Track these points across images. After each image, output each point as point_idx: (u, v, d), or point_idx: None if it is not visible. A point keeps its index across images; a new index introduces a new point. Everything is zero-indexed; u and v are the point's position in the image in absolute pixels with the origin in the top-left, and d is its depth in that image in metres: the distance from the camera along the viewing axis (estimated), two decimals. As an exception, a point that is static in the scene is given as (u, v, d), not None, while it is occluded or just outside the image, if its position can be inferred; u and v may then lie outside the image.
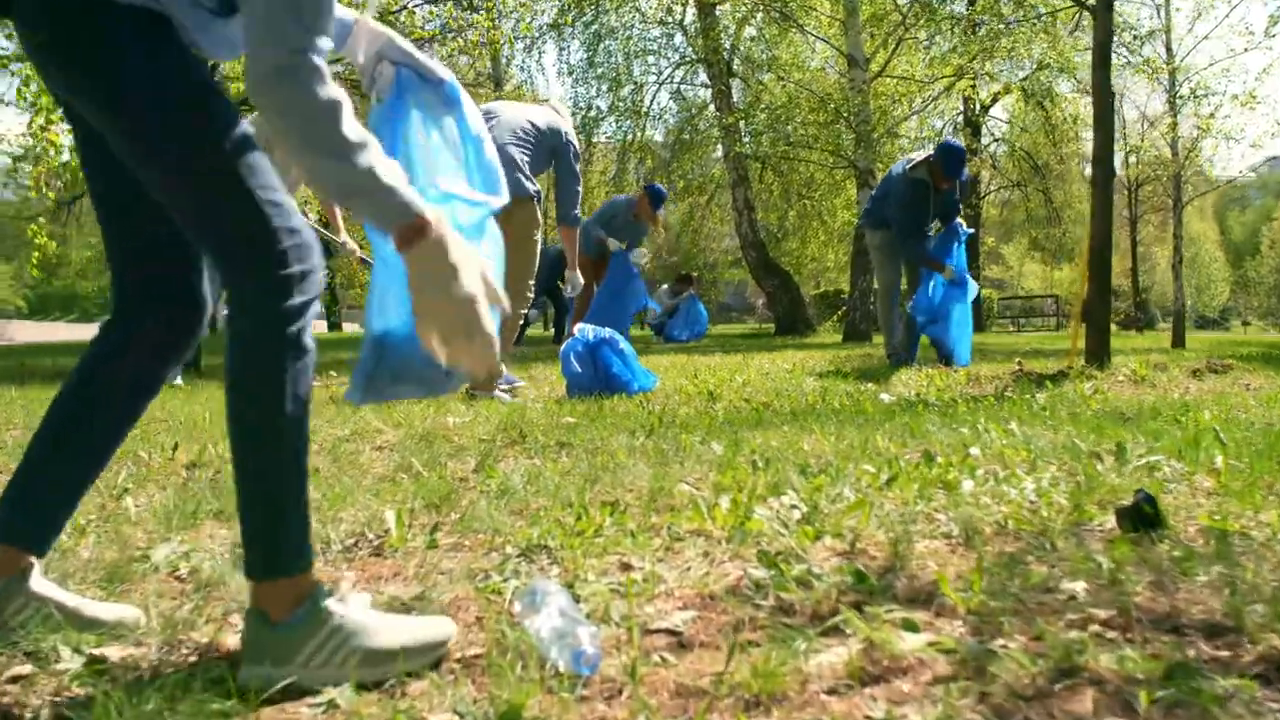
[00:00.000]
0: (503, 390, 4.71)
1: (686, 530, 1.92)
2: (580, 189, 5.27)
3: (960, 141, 6.61)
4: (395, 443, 3.18)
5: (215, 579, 1.67)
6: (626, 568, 1.70)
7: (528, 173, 4.85)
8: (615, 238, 8.37)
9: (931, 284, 6.46)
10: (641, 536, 1.86)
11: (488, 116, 5.23)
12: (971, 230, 6.84)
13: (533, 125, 4.96)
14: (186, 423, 3.66)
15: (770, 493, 2.15)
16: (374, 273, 1.48)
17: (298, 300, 1.30)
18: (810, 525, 1.85)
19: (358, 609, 1.34)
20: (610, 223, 8.63)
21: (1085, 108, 17.39)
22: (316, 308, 1.35)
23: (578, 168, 5.17)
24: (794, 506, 2.01)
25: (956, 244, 6.47)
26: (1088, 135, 19.01)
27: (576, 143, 5.25)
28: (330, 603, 1.30)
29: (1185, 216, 14.77)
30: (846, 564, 1.61)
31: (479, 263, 1.34)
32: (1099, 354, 5.88)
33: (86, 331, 25.57)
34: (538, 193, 4.93)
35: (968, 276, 6.51)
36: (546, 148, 5.01)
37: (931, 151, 6.52)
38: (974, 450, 2.58)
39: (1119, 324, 23.01)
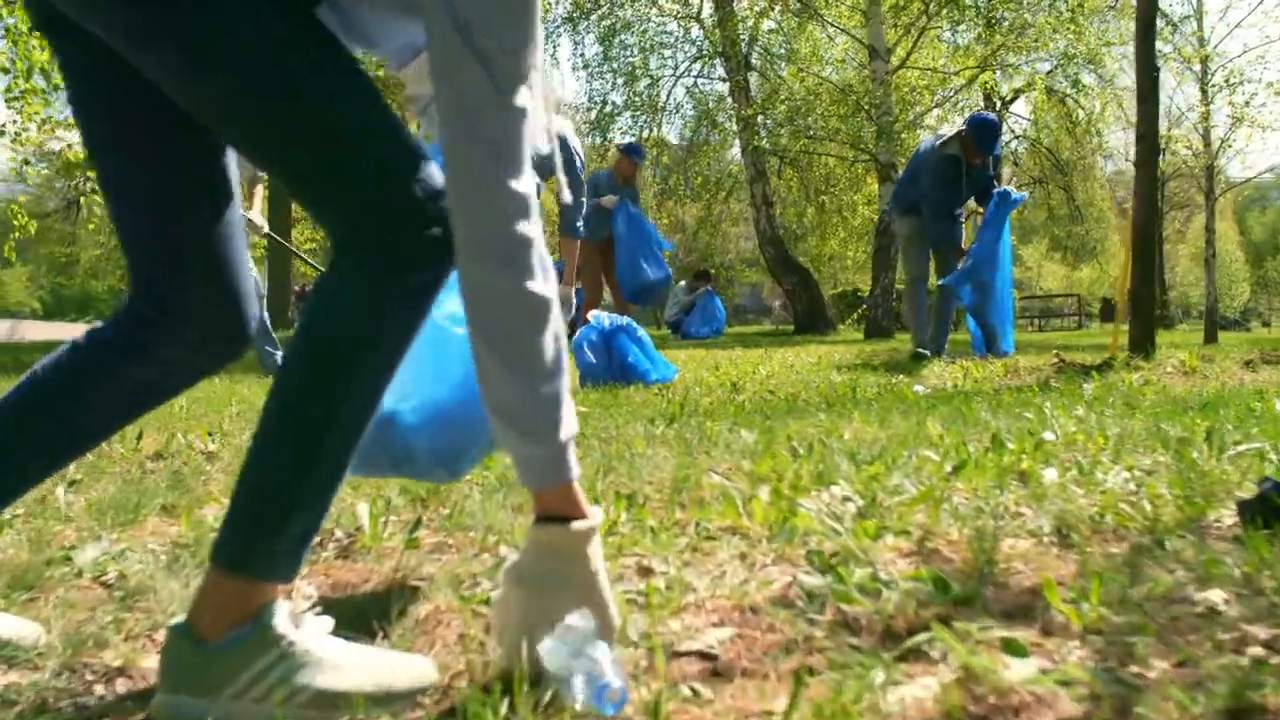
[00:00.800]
0: None
1: (718, 527, 1.60)
2: (584, 199, 5.18)
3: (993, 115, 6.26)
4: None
5: (145, 585, 1.37)
6: (646, 572, 1.40)
7: None
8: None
9: (968, 262, 6.12)
10: (664, 534, 1.54)
11: None
12: (1025, 195, 6.53)
13: None
14: (159, 410, 3.37)
15: (816, 484, 1.83)
16: None
17: (436, 272, 1.06)
18: (869, 520, 1.53)
19: (314, 634, 1.03)
20: (594, 193, 8.62)
21: (1111, 101, 17.02)
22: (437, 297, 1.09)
23: (582, 177, 5.07)
24: (847, 499, 1.69)
25: (1007, 215, 6.13)
26: (1109, 133, 18.64)
27: (581, 152, 5.17)
28: (280, 623, 0.99)
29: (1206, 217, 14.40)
30: (923, 568, 1.29)
31: (584, 605, 1.02)
32: (1144, 343, 5.50)
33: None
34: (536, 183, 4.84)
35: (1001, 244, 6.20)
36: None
37: (962, 126, 6.18)
38: (1048, 435, 2.24)
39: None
